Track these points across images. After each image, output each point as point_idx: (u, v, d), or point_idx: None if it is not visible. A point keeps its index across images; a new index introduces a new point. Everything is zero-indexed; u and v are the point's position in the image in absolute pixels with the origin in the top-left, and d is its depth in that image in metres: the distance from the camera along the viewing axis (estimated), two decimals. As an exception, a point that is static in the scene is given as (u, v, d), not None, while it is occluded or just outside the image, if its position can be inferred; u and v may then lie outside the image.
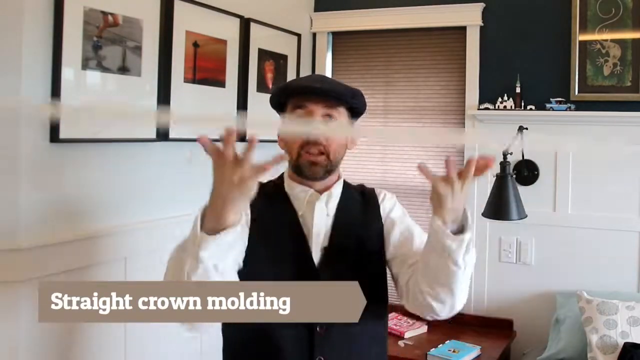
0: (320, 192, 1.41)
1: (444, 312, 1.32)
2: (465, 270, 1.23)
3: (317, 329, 1.32)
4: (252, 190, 1.09)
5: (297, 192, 1.41)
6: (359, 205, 1.47)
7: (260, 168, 1.06)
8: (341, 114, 1.39)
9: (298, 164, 1.36)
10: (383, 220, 1.46)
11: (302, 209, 1.40)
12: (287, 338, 1.32)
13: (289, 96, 1.39)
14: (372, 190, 1.52)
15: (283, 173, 1.47)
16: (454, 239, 1.19)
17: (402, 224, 1.46)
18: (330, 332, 1.33)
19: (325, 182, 1.42)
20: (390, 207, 1.48)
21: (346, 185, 1.48)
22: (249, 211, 1.31)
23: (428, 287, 1.28)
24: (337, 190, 1.43)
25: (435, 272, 1.26)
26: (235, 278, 1.23)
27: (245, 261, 1.27)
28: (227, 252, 1.14)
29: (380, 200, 1.48)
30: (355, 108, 1.43)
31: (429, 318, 1.39)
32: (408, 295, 1.37)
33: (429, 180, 1.19)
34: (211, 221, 1.11)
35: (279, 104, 1.43)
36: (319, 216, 1.39)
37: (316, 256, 1.37)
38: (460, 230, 1.22)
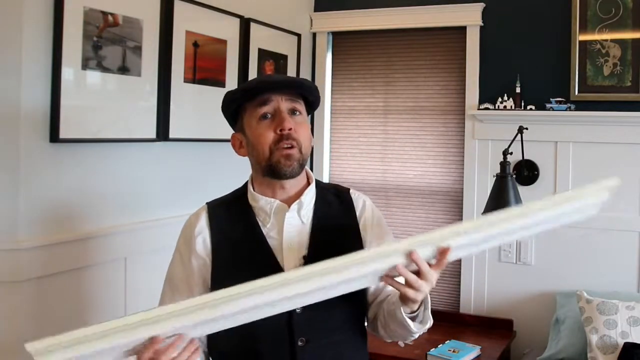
0: (287, 202, 1.35)
1: None
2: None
3: (299, 342, 1.28)
4: None
5: (261, 204, 1.35)
6: (336, 207, 1.41)
7: None
8: (303, 107, 1.37)
9: (271, 163, 1.30)
10: (360, 225, 1.41)
11: (269, 221, 1.34)
12: (268, 351, 1.28)
13: (250, 95, 1.33)
14: (347, 191, 1.46)
15: (246, 182, 1.41)
16: (419, 327, 1.29)
17: (379, 234, 1.43)
18: (310, 343, 1.29)
19: (294, 188, 1.36)
20: (368, 213, 1.44)
21: (319, 187, 1.42)
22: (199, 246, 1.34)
23: (385, 335, 1.42)
24: (308, 197, 1.37)
25: (395, 333, 1.38)
26: None
27: (215, 288, 1.21)
28: None
29: (356, 204, 1.43)
30: (312, 102, 1.40)
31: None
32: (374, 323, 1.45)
33: (399, 290, 1.18)
34: None
35: (237, 107, 1.36)
36: (290, 227, 1.34)
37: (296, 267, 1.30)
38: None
